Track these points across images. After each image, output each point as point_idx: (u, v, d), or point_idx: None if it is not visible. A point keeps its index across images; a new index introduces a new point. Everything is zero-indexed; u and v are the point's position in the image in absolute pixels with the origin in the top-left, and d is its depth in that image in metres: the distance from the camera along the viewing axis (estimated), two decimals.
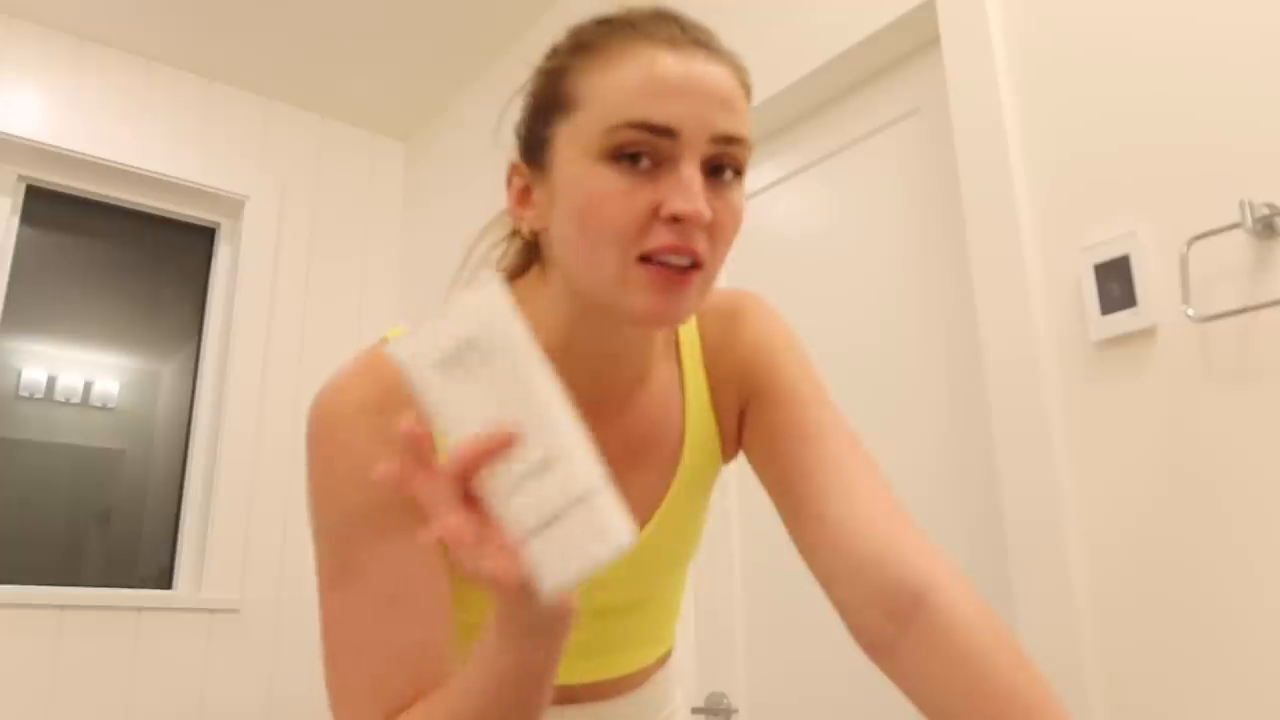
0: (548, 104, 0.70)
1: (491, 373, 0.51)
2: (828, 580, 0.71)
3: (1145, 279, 1.17)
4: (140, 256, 2.75)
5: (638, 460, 0.79)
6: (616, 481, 0.78)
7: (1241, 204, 1.07)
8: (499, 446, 0.50)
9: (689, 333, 0.83)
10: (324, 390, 0.72)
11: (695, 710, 1.72)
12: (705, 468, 0.83)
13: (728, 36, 0.72)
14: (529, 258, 0.79)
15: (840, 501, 0.71)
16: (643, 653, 0.88)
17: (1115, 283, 1.20)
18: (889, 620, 0.66)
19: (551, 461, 0.50)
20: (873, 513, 0.70)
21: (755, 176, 1.86)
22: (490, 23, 2.58)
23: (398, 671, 0.65)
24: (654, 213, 0.65)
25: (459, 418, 0.51)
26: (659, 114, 0.64)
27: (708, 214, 0.64)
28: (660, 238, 0.65)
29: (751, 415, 0.81)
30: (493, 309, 0.52)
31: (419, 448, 0.52)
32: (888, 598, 0.66)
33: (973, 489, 1.43)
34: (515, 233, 0.80)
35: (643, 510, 0.79)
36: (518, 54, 2.57)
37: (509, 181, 0.74)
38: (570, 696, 0.81)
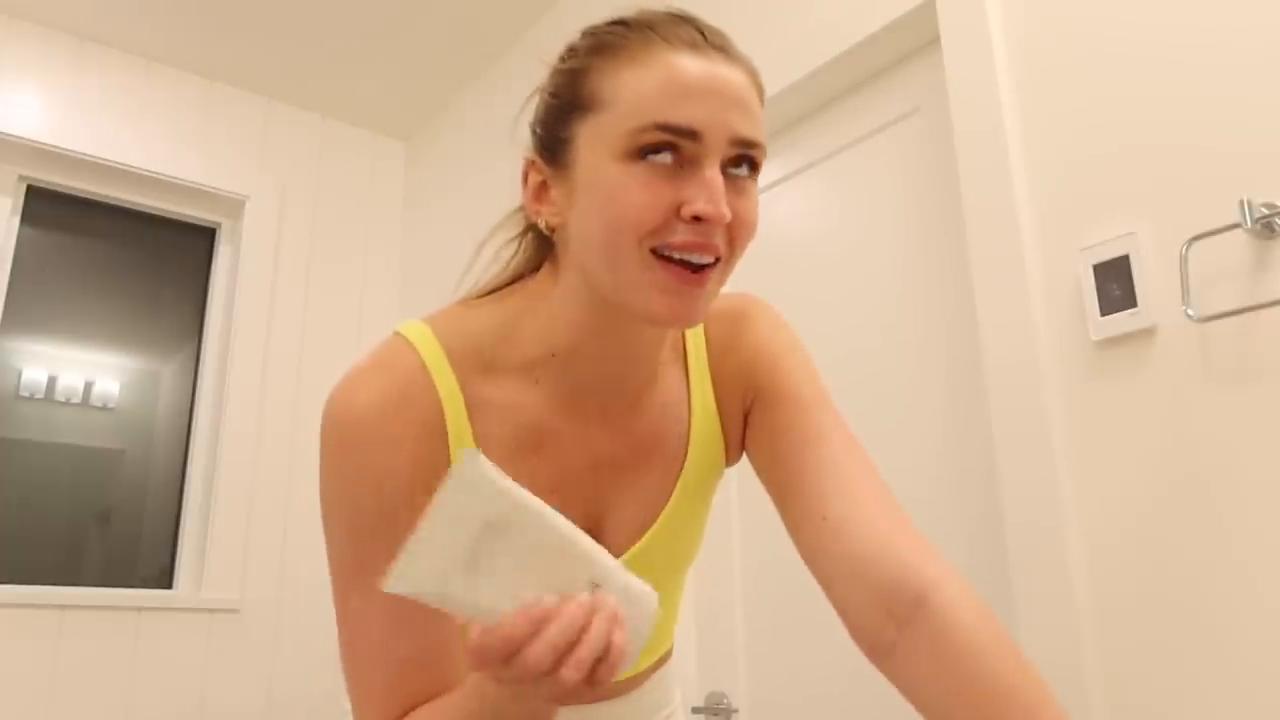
0: (569, 104, 0.71)
1: (513, 544, 0.54)
2: (828, 581, 0.71)
3: (1145, 279, 1.17)
4: (140, 256, 2.75)
5: (643, 463, 0.79)
6: (622, 484, 0.79)
7: (1241, 204, 1.07)
8: (545, 620, 0.52)
9: (695, 336, 0.83)
10: (337, 389, 0.71)
11: (695, 710, 1.72)
12: (709, 472, 0.83)
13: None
14: (541, 255, 0.79)
15: (841, 503, 0.71)
16: (642, 658, 0.88)
17: (1115, 283, 1.20)
18: (889, 621, 0.66)
19: (599, 582, 0.55)
20: (873, 514, 0.71)
21: None
22: (490, 23, 2.58)
23: (413, 675, 0.67)
24: (675, 211, 0.66)
25: (496, 597, 0.53)
26: (683, 116, 0.65)
27: (728, 215, 0.66)
28: (681, 235, 0.66)
29: (755, 417, 0.81)
30: (488, 481, 0.53)
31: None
32: (887, 598, 0.66)
33: (973, 489, 1.43)
34: (526, 230, 0.80)
35: (647, 514, 0.79)
36: (518, 54, 2.57)
37: (524, 177, 0.75)
38: None
